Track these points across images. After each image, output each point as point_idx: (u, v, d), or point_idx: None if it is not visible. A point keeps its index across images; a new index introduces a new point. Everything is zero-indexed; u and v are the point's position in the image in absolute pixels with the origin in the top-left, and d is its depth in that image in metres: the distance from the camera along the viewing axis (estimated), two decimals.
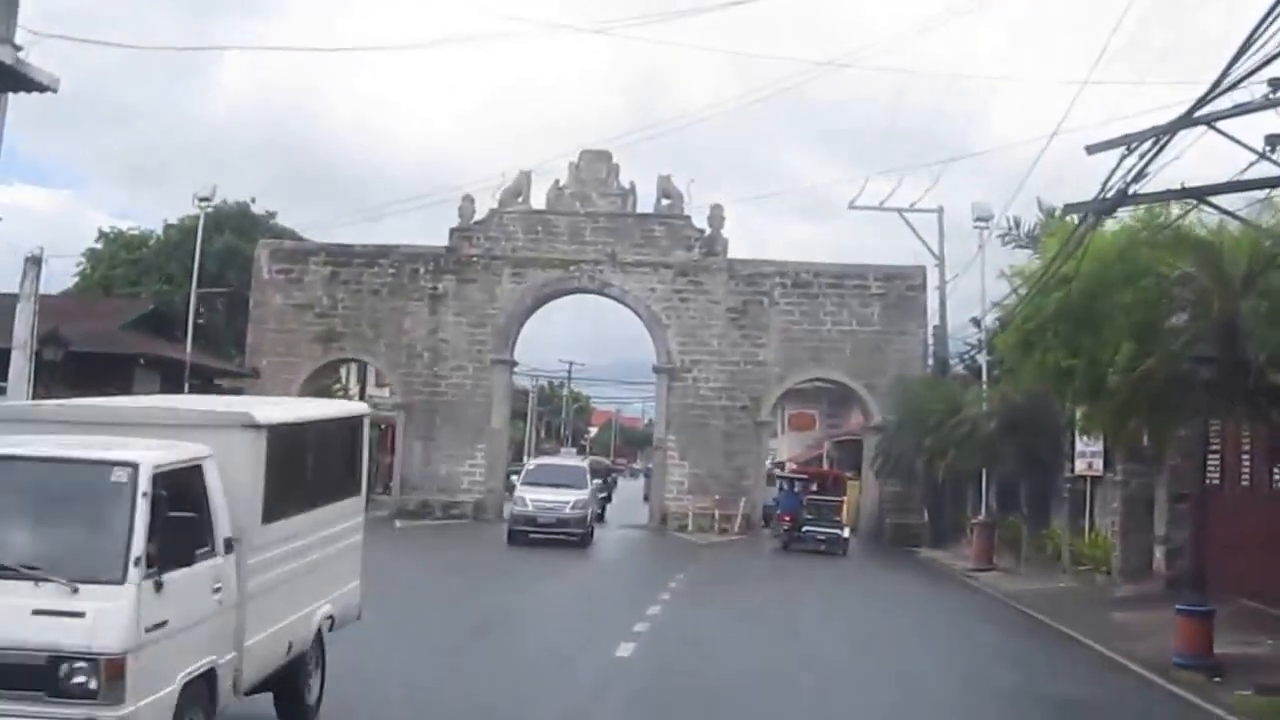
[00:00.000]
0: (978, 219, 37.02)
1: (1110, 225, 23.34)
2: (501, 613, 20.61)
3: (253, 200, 59.75)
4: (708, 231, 48.81)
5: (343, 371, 58.73)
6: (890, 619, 24.39)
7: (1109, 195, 18.14)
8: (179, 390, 36.72)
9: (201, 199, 38.55)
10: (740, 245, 49.09)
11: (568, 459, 49.49)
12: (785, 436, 79.92)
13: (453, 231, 49.19)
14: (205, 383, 40.67)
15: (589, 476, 39.29)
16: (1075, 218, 27.34)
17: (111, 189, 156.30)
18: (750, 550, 40.38)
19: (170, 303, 56.43)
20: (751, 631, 20.63)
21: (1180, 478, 26.76)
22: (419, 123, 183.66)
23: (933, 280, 48.83)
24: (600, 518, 46.30)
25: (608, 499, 49.57)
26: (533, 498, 36.69)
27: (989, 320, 37.90)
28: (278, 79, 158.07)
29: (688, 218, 48.95)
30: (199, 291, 40.58)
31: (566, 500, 36.50)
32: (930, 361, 48.43)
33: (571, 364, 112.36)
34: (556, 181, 49.23)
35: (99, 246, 60.95)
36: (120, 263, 59.57)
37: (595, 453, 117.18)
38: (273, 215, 58.95)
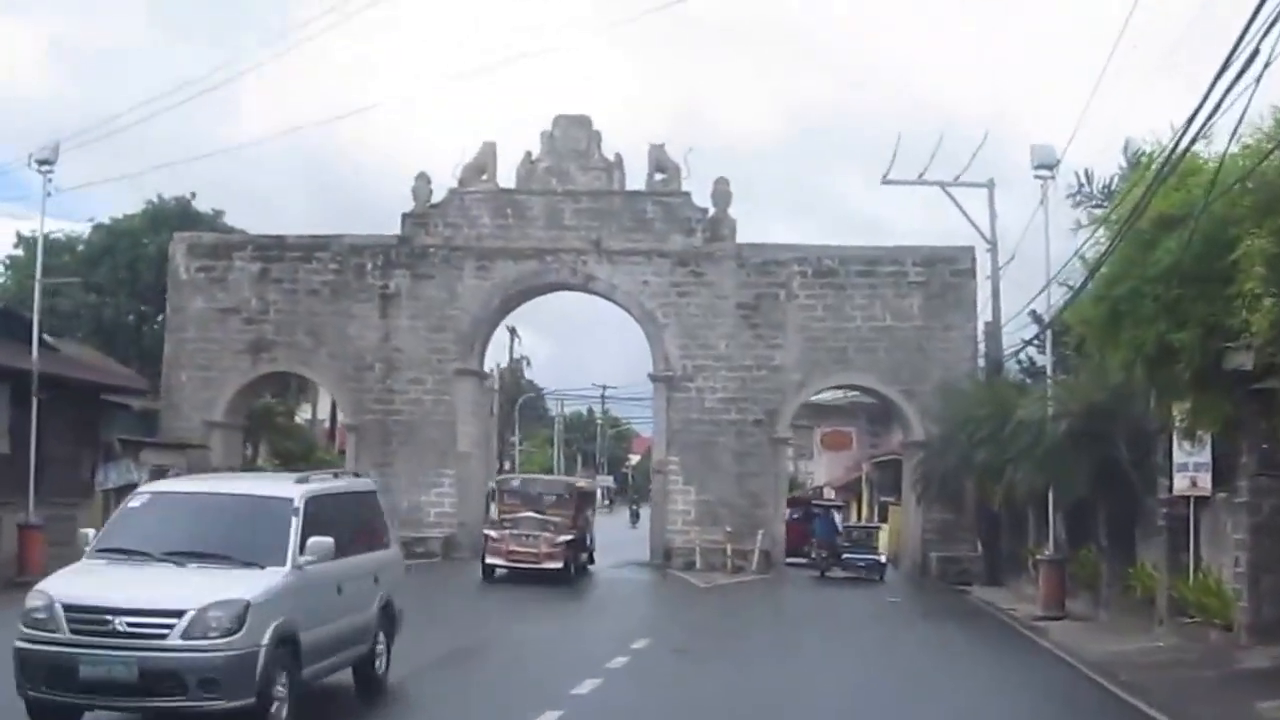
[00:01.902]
0: (1039, 167, 28.58)
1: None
2: None
3: (193, 195, 52.16)
4: (711, 211, 40.86)
5: (308, 393, 50.90)
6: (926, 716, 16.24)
7: None
8: (27, 405, 29.33)
9: (41, 163, 30.23)
10: (751, 229, 41.20)
11: (237, 481, 17.75)
12: (821, 459, 71.77)
13: (405, 218, 41.47)
14: (79, 400, 32.91)
15: (296, 529, 13.03)
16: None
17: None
18: (763, 595, 32.11)
19: (98, 315, 49.54)
20: None
21: None
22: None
23: (983, 270, 40.52)
24: (572, 566, 33.18)
25: (581, 543, 35.50)
26: (81, 598, 11.94)
27: (1055, 300, 29.70)
28: (302, 103, 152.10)
29: (687, 194, 41.01)
30: (43, 281, 32.70)
31: (180, 609, 11.69)
32: (981, 363, 40.08)
33: (605, 388, 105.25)
34: (528, 154, 41.39)
35: (20, 253, 53.64)
36: (22, 265, 52.09)
37: (636, 482, 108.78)
38: (220, 214, 51.38)
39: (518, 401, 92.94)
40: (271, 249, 41.65)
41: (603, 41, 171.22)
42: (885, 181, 41.19)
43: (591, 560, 37.31)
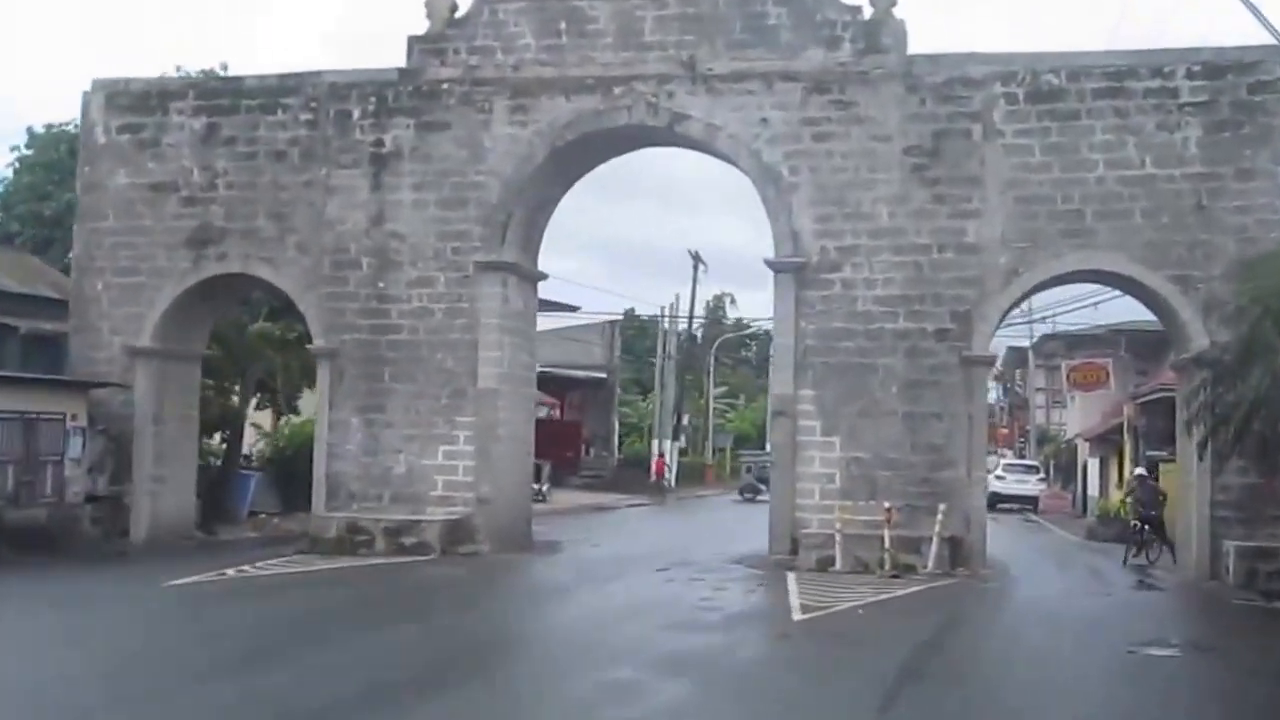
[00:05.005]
0: None
1: None
2: None
3: (224, 67, 39.88)
4: (866, 12, 26.24)
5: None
6: None
7: None
8: None
9: None
10: (927, 39, 26.73)
11: None
12: (1075, 406, 56.29)
13: (413, 43, 27.92)
14: None
15: None
16: None
17: None
18: (892, 644, 16.85)
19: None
20: None
21: None
22: None
23: None
24: None
25: None
26: None
27: None
28: None
29: None
30: None
31: None
32: None
33: None
34: None
35: (31, 152, 43.17)
36: (32, 165, 41.33)
37: None
38: None
39: (714, 344, 79.19)
40: (222, 96, 28.67)
41: None
42: None
43: None
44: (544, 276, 29.36)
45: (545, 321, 60.52)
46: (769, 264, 26.13)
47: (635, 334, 78.95)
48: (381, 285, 27.22)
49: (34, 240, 39.37)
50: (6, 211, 41.12)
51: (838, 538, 24.22)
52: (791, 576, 22.90)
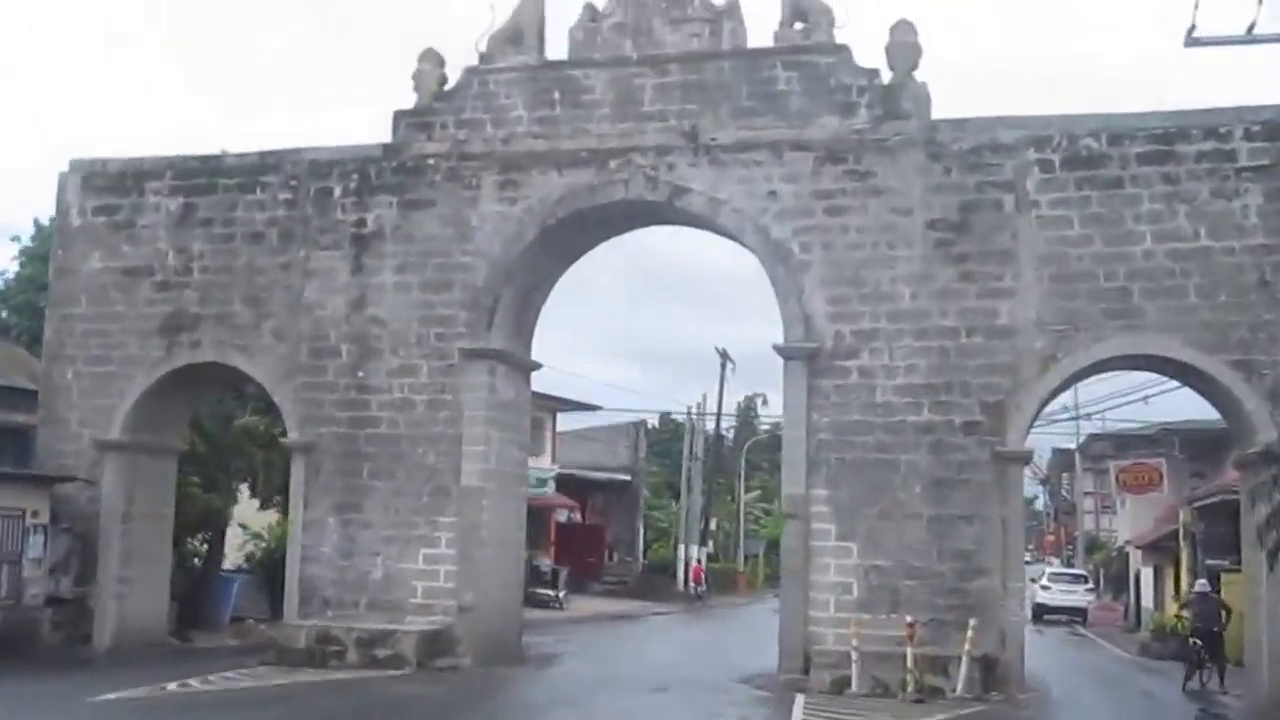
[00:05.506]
0: None
1: None
2: None
3: (222, 153, 38.42)
4: (884, 77, 24.10)
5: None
6: None
7: None
8: None
9: None
10: (948, 102, 24.73)
11: None
12: (1126, 510, 53.24)
13: (399, 117, 26.06)
14: None
15: None
16: None
17: None
18: None
19: None
20: None
21: None
22: None
23: None
24: None
25: None
26: None
27: None
28: None
29: (843, 49, 24.31)
30: None
31: None
32: None
33: None
34: (589, 8, 25.52)
35: (35, 244, 41.96)
36: (34, 257, 40.10)
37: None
38: None
39: (746, 446, 76.59)
40: (198, 175, 26.84)
41: None
42: (1190, 43, 23.67)
43: None
44: (537, 366, 27.09)
45: (566, 422, 59.03)
46: (778, 350, 23.76)
47: (669, 438, 76.47)
48: (361, 375, 25.14)
49: (30, 332, 37.74)
50: (5, 303, 39.62)
51: (854, 655, 21.61)
52: (800, 700, 20.34)
